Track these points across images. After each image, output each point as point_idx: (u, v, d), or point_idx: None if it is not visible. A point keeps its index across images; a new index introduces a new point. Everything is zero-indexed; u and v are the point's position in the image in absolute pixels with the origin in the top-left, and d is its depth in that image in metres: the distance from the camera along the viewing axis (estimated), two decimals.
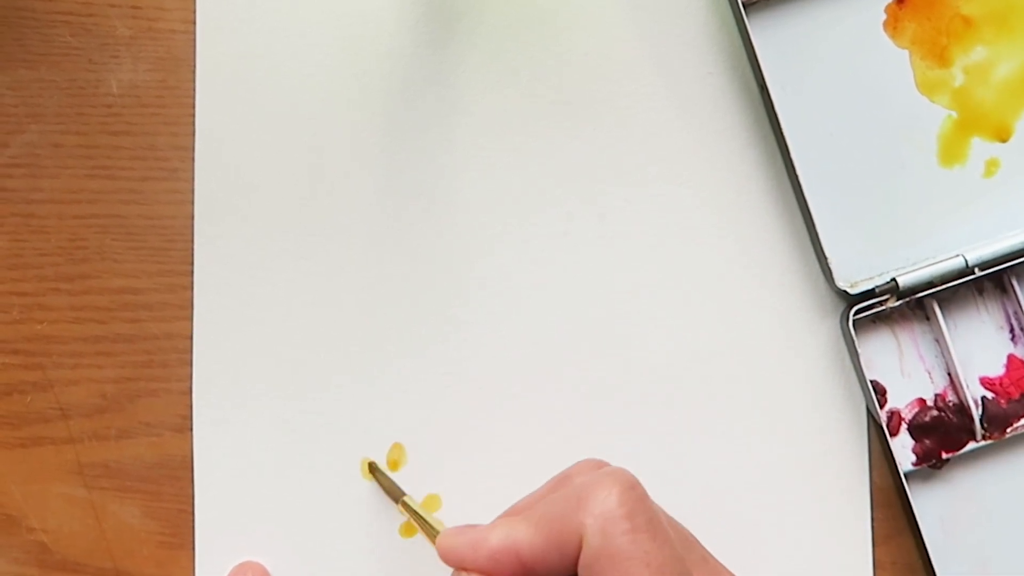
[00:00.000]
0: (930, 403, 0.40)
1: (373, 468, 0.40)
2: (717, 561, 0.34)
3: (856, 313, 0.39)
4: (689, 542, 0.34)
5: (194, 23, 0.41)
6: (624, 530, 0.30)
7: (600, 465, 0.33)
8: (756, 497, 0.40)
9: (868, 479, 0.40)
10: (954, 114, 0.40)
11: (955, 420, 0.39)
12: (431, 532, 0.36)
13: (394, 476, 0.40)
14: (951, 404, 0.40)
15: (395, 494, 0.39)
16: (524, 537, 0.31)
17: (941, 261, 0.39)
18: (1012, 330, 0.40)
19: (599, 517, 0.30)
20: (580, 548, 0.30)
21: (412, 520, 0.37)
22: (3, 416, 0.41)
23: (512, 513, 0.33)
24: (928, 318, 0.40)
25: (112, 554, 0.40)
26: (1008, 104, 0.40)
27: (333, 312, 0.40)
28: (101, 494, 0.40)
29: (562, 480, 0.34)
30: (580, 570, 0.30)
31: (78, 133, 0.41)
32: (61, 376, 0.41)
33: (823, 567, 0.40)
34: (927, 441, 0.40)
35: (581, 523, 0.30)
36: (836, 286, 0.39)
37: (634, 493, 0.30)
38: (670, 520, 0.33)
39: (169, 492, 0.40)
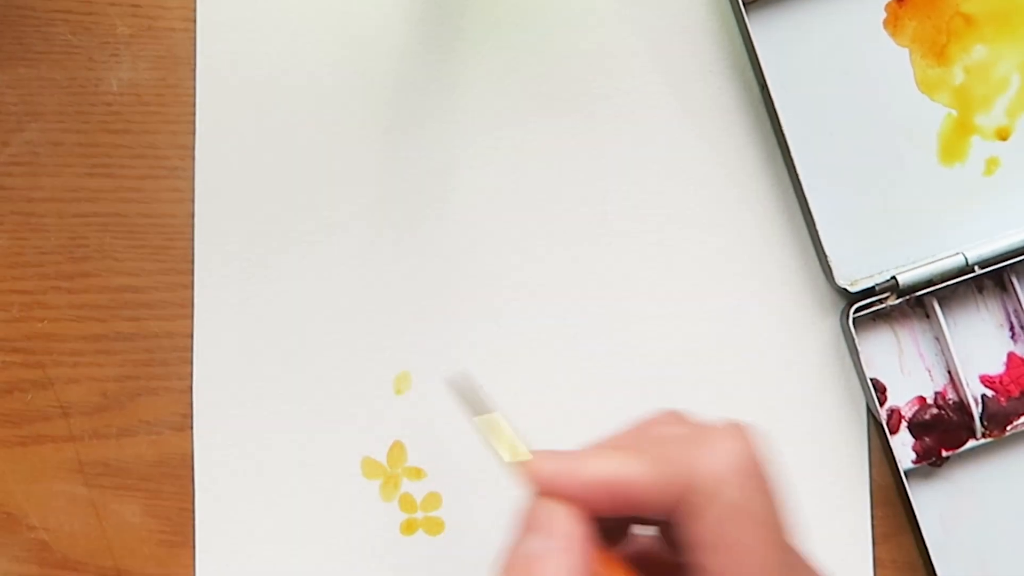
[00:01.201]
0: (930, 401, 0.40)
1: (457, 384, 0.34)
2: (793, 541, 0.33)
3: (856, 311, 0.39)
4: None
5: (194, 21, 0.41)
6: (744, 486, 0.28)
7: (684, 417, 0.32)
8: None
9: (868, 477, 0.40)
10: (954, 112, 0.40)
11: (955, 418, 0.40)
12: (515, 454, 0.32)
13: (393, 471, 0.40)
14: (951, 402, 0.40)
15: (479, 409, 0.34)
16: (631, 471, 0.29)
17: (941, 259, 0.39)
18: (1012, 328, 0.40)
19: (722, 468, 0.28)
20: (692, 493, 0.28)
21: (489, 439, 0.34)
22: (4, 414, 0.40)
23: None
24: (928, 316, 0.40)
25: (113, 552, 0.40)
26: (1008, 103, 0.40)
27: (333, 310, 0.40)
28: (102, 492, 0.40)
29: (644, 429, 0.32)
30: (689, 516, 0.29)
31: (78, 131, 0.41)
32: (61, 374, 0.41)
33: (823, 565, 0.40)
34: (927, 439, 0.40)
35: (700, 470, 0.28)
36: (836, 284, 0.39)
37: (757, 453, 0.29)
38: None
39: (169, 490, 0.40)
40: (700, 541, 0.29)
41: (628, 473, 0.30)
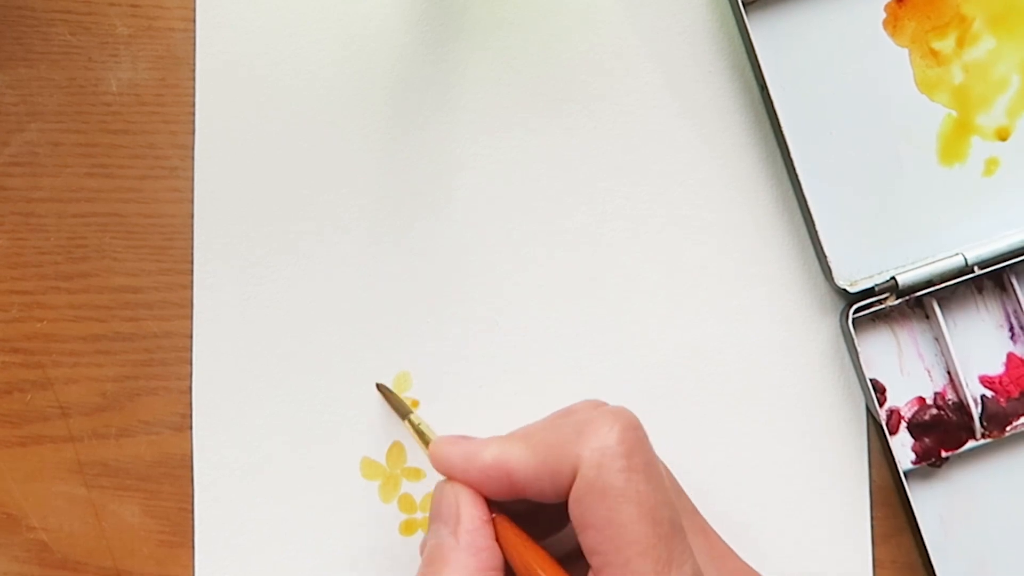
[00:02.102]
0: (929, 401, 0.40)
1: (381, 387, 0.40)
2: (703, 518, 0.34)
3: (856, 312, 0.39)
4: (680, 492, 0.34)
5: (194, 21, 0.41)
6: (620, 467, 0.30)
7: (601, 405, 0.33)
8: (755, 495, 0.40)
9: (868, 478, 0.40)
10: (954, 113, 0.40)
11: (954, 418, 0.40)
12: (426, 440, 0.36)
13: (392, 472, 0.40)
14: (950, 402, 0.40)
15: (402, 411, 0.38)
16: (519, 458, 0.31)
17: (941, 260, 0.39)
18: (1011, 328, 0.40)
19: (596, 451, 0.30)
20: (573, 479, 0.30)
21: (414, 436, 0.37)
22: (3, 415, 0.40)
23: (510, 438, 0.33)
24: (928, 317, 0.40)
25: (112, 552, 0.40)
26: (1008, 103, 0.40)
27: (333, 310, 0.40)
28: (101, 492, 0.40)
29: (564, 414, 0.34)
30: (571, 501, 0.30)
31: (77, 131, 0.41)
32: (61, 375, 0.41)
33: (823, 566, 0.40)
34: (927, 440, 0.40)
35: (578, 454, 0.30)
36: (836, 284, 0.39)
37: (635, 433, 0.31)
38: (666, 469, 0.33)
39: (169, 490, 0.40)
40: (578, 522, 0.30)
41: (515, 460, 0.32)
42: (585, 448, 0.30)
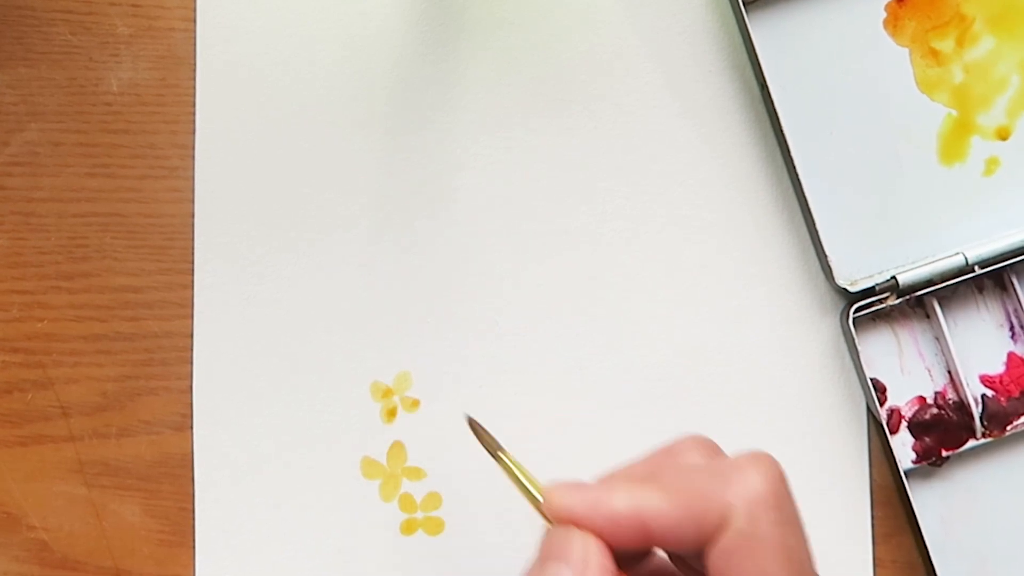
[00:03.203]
0: (930, 401, 0.40)
1: (472, 423, 0.35)
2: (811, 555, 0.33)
3: (856, 311, 0.39)
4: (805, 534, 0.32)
5: (194, 21, 0.41)
6: (774, 520, 0.29)
7: (709, 445, 0.32)
8: None
9: (868, 477, 0.40)
10: (954, 112, 0.40)
11: (955, 418, 0.40)
12: (532, 488, 0.32)
13: (393, 471, 0.40)
14: (951, 402, 0.40)
15: (492, 447, 0.35)
16: (656, 506, 0.30)
17: (941, 259, 0.39)
18: (1012, 328, 0.40)
19: (749, 501, 0.29)
20: (718, 528, 0.29)
21: (508, 476, 0.34)
22: (3, 414, 0.40)
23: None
24: (928, 316, 0.40)
25: (112, 552, 0.40)
26: (1008, 103, 0.40)
27: (333, 310, 0.40)
28: (101, 492, 0.40)
29: (668, 454, 0.32)
30: (716, 552, 0.29)
31: (78, 131, 0.41)
32: (61, 374, 0.40)
33: (823, 565, 0.40)
34: (927, 439, 0.40)
35: (728, 503, 0.29)
36: (836, 284, 0.39)
37: (784, 484, 0.30)
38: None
39: (169, 490, 0.40)
40: (721, 570, 0.29)
41: (653, 508, 0.30)
42: (736, 497, 0.29)
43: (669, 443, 0.32)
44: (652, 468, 0.31)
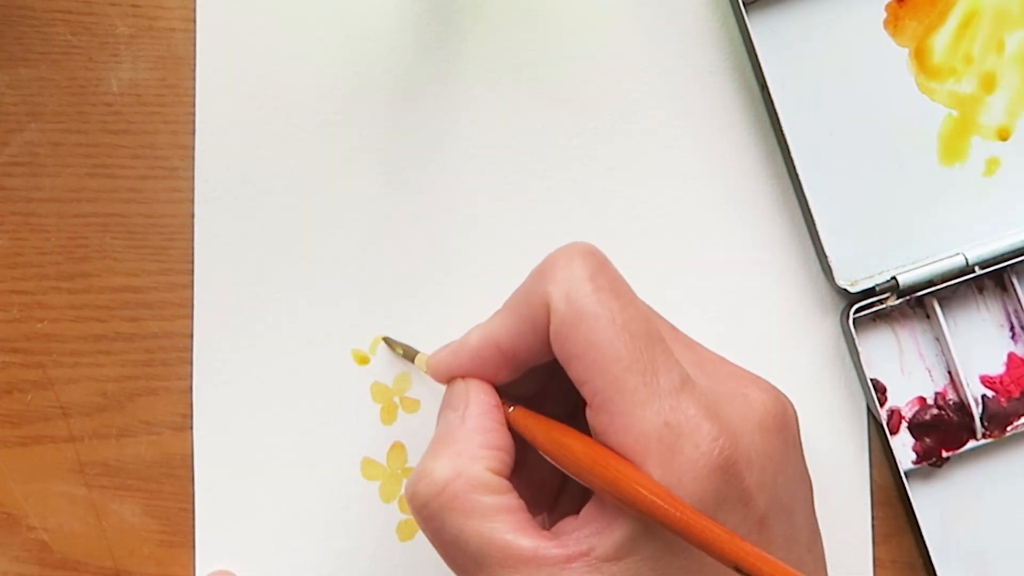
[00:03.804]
0: (930, 401, 0.40)
1: (389, 341, 0.40)
2: (686, 335, 0.34)
3: (856, 311, 0.39)
4: (657, 314, 0.33)
5: (194, 21, 0.41)
6: (588, 291, 0.29)
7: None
8: None
9: (868, 477, 0.40)
10: (954, 112, 0.40)
11: (955, 418, 0.39)
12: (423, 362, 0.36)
13: (393, 472, 0.40)
14: (951, 402, 0.40)
15: (411, 355, 0.38)
16: (498, 325, 0.32)
17: (941, 259, 0.39)
18: (1012, 328, 0.40)
19: (562, 282, 0.30)
20: (547, 319, 0.30)
21: (423, 371, 0.37)
22: (3, 414, 0.40)
23: None
24: (928, 316, 0.40)
25: (112, 553, 0.40)
26: (1008, 103, 0.40)
27: (333, 310, 0.40)
28: (101, 492, 0.40)
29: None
30: (552, 341, 0.30)
31: (78, 132, 0.41)
32: (61, 375, 0.41)
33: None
34: (927, 439, 0.40)
35: (545, 292, 0.30)
36: (836, 284, 0.39)
37: (595, 258, 0.30)
38: (638, 297, 0.32)
39: (169, 490, 0.40)
40: (563, 358, 0.30)
41: (497, 329, 0.32)
42: (550, 284, 0.30)
43: None
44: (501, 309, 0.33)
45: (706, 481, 0.28)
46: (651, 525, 0.29)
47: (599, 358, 0.29)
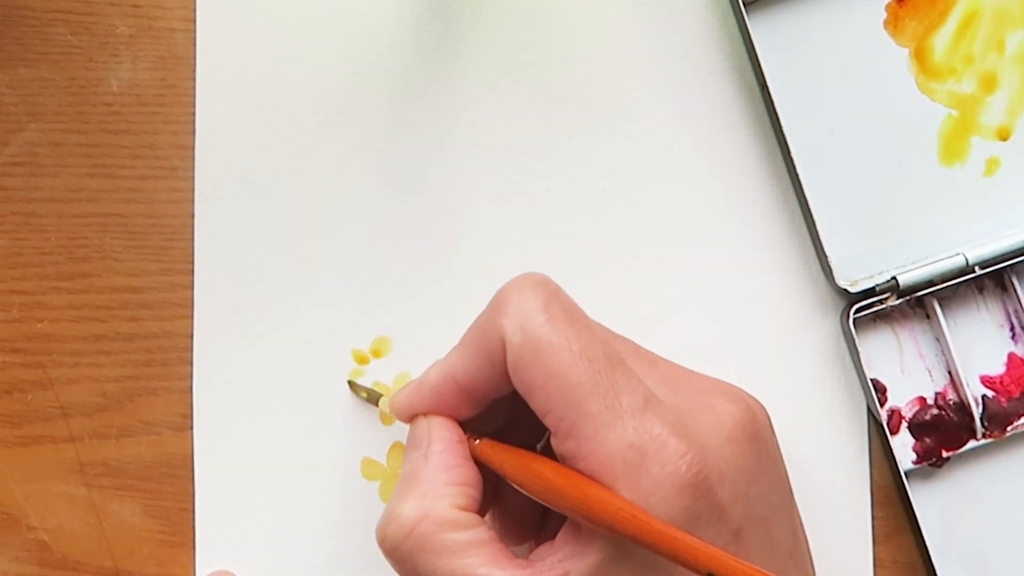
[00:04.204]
0: (930, 401, 0.40)
1: (353, 385, 0.40)
2: (650, 352, 0.34)
3: (856, 311, 0.39)
4: (615, 336, 0.33)
5: (194, 21, 0.41)
6: (541, 321, 0.30)
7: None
8: None
9: (868, 477, 0.40)
10: (954, 112, 0.40)
11: (955, 418, 0.39)
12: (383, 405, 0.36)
13: (393, 472, 0.40)
14: (951, 402, 0.40)
15: (374, 399, 0.39)
16: (456, 361, 0.32)
17: (941, 260, 0.39)
18: (1012, 328, 0.40)
19: (515, 315, 0.30)
20: (503, 351, 0.30)
21: (383, 411, 0.38)
22: (3, 415, 0.41)
23: None
24: (928, 316, 0.40)
25: (112, 553, 0.40)
26: (1009, 103, 0.40)
27: (333, 310, 0.40)
28: (101, 493, 0.40)
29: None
30: (511, 374, 0.30)
31: (78, 132, 0.41)
32: (61, 375, 0.41)
33: (823, 566, 0.40)
34: (927, 439, 0.40)
35: (499, 326, 0.30)
36: (836, 284, 0.39)
37: (546, 288, 0.31)
38: (594, 321, 0.32)
39: (169, 491, 0.40)
40: (523, 390, 0.30)
41: (455, 365, 0.32)
42: (503, 317, 0.30)
43: None
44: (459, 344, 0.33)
45: (676, 500, 0.28)
46: (625, 546, 0.29)
47: (560, 386, 0.29)
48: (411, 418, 0.33)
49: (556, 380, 0.29)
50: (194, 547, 0.40)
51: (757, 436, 0.32)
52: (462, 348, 0.32)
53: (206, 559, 0.40)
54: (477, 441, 0.32)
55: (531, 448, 0.33)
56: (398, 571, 0.31)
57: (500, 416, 0.34)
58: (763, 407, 0.33)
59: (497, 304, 0.31)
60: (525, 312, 0.30)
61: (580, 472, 0.29)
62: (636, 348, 0.34)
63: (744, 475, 0.30)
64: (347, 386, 0.40)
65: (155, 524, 0.40)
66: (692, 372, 0.34)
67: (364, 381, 0.40)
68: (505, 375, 0.30)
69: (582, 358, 0.29)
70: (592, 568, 0.29)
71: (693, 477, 0.28)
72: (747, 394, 0.33)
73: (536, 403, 0.30)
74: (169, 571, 0.40)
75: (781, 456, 0.33)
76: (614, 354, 0.30)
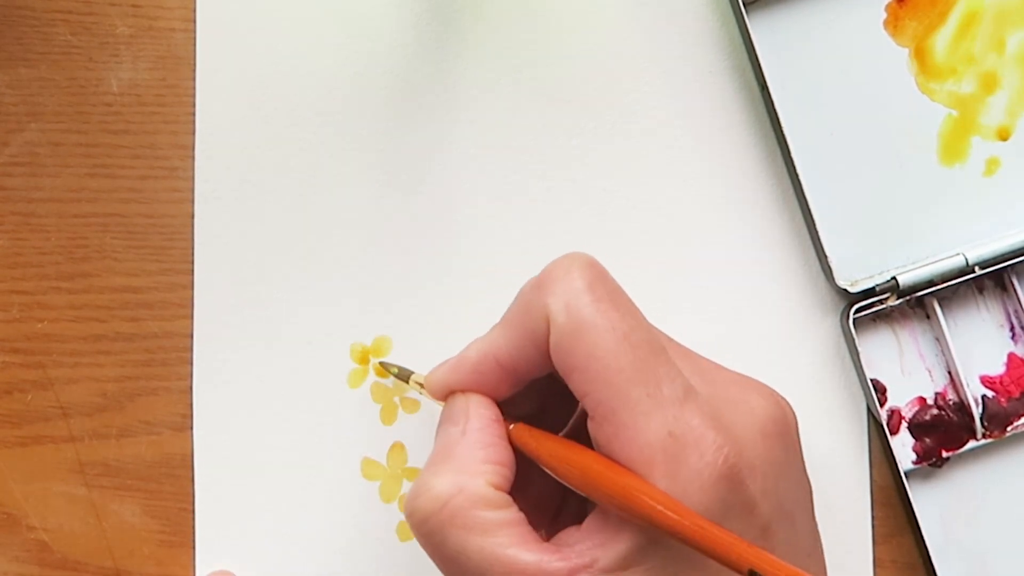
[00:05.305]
0: (930, 401, 0.40)
1: (385, 365, 0.39)
2: (682, 344, 0.34)
3: (856, 312, 0.39)
4: (652, 325, 0.33)
5: (194, 21, 0.41)
6: (587, 302, 0.29)
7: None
8: None
9: (868, 478, 0.40)
10: (954, 112, 0.40)
11: (955, 418, 0.39)
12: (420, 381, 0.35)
13: (393, 472, 0.40)
14: (951, 402, 0.40)
15: (404, 377, 0.38)
16: (497, 338, 0.31)
17: (941, 260, 0.39)
18: (1012, 328, 0.40)
19: (561, 294, 0.30)
20: (547, 330, 0.30)
21: (418, 391, 0.37)
22: (3, 415, 0.41)
23: None
24: (928, 316, 0.40)
25: (112, 553, 0.40)
26: (1009, 103, 0.40)
27: (333, 310, 0.40)
28: (101, 493, 0.40)
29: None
30: (552, 354, 0.30)
31: (78, 132, 0.41)
32: (61, 375, 0.41)
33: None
34: (927, 440, 0.40)
35: (545, 305, 0.30)
36: (836, 284, 0.39)
37: (593, 269, 0.30)
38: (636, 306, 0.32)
39: (169, 491, 0.40)
40: (563, 370, 0.30)
41: (496, 343, 0.31)
42: (549, 296, 0.30)
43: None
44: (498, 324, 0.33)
45: (712, 490, 0.28)
46: (656, 535, 0.28)
47: (601, 369, 0.29)
48: (447, 395, 0.33)
49: (598, 363, 0.29)
50: (194, 547, 0.40)
51: (787, 432, 0.32)
52: (504, 326, 0.31)
53: (206, 559, 0.40)
54: (511, 425, 0.32)
55: (562, 435, 0.32)
56: (423, 544, 0.30)
57: (533, 400, 0.34)
58: (790, 404, 0.33)
59: (542, 283, 0.30)
60: (571, 292, 0.30)
61: (615, 459, 0.29)
62: (670, 339, 0.34)
63: (774, 470, 0.30)
64: (376, 369, 0.40)
65: (155, 524, 0.40)
66: (723, 367, 0.34)
67: (365, 381, 0.40)
68: (546, 355, 0.30)
69: (625, 342, 0.29)
70: (622, 557, 0.29)
71: (729, 469, 0.29)
72: (775, 390, 0.33)
73: (576, 385, 0.29)
74: (169, 571, 0.40)
75: (803, 456, 0.33)
76: (656, 342, 0.30)
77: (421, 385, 0.36)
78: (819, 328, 0.40)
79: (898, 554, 0.40)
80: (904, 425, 0.40)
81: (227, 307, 0.40)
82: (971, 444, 0.39)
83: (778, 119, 0.39)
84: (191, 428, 0.40)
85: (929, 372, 0.40)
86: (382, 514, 0.40)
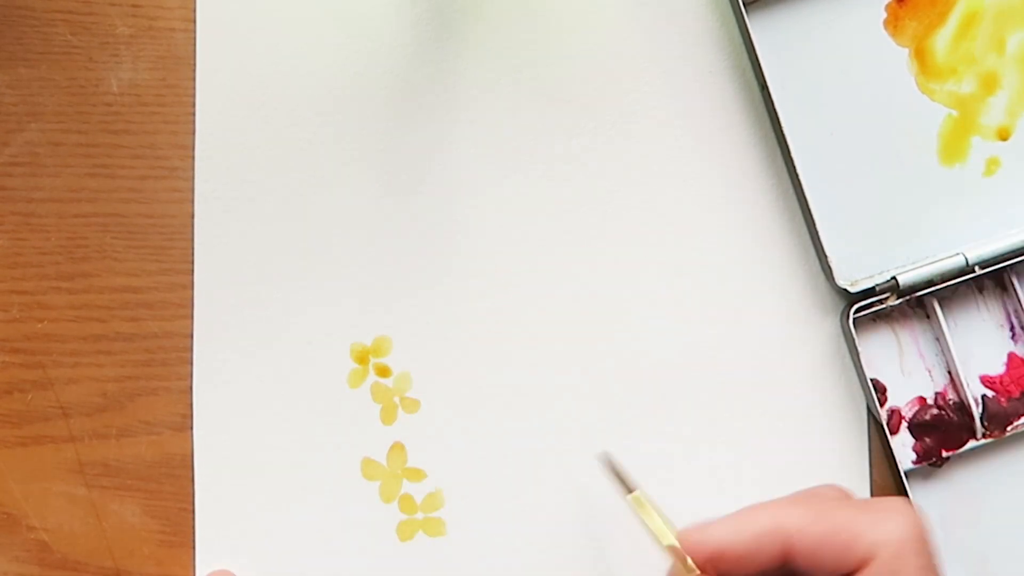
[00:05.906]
0: (930, 401, 0.40)
1: (609, 462, 0.37)
2: None
3: (856, 311, 0.39)
4: None
5: (194, 21, 0.41)
6: (919, 564, 0.30)
7: (844, 489, 0.33)
8: (756, 495, 0.40)
9: (868, 477, 0.40)
10: (954, 113, 0.40)
11: (955, 418, 0.39)
12: (666, 529, 0.33)
13: (393, 472, 0.40)
14: (951, 402, 0.40)
15: (627, 487, 0.36)
16: (800, 523, 0.30)
17: (941, 259, 0.39)
18: (1012, 328, 0.40)
19: (898, 541, 0.30)
20: (862, 561, 0.30)
21: (641, 517, 0.34)
22: (3, 415, 0.40)
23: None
24: (928, 316, 0.40)
25: (112, 552, 0.40)
26: (1008, 103, 0.40)
27: (333, 310, 0.40)
28: (101, 493, 0.40)
29: (810, 495, 0.33)
30: None
31: (78, 132, 0.41)
32: (61, 375, 0.41)
33: None
34: (927, 439, 0.40)
35: (876, 539, 0.30)
36: (836, 284, 0.39)
37: (927, 532, 0.31)
38: None
39: (169, 490, 0.40)
40: None
41: (796, 524, 0.30)
42: (886, 534, 0.30)
43: (811, 488, 0.33)
44: (790, 499, 0.32)
45: None
46: None
47: None
48: (711, 558, 0.31)
49: None
50: (194, 547, 0.40)
51: None
52: (812, 517, 0.31)
53: (206, 559, 0.40)
54: None
55: None
56: None
57: None
58: None
59: (876, 514, 0.30)
60: (909, 545, 0.30)
61: None
62: None
63: None
64: (603, 461, 0.37)
65: (155, 524, 0.40)
66: None
67: (365, 381, 0.40)
68: (840, 570, 0.30)
69: None
70: None
71: None
72: None
73: None
74: (169, 571, 0.40)
75: None
76: None
77: (645, 509, 0.34)
78: (819, 328, 0.40)
79: None
80: (904, 425, 0.40)
81: (227, 307, 0.40)
82: (971, 444, 0.39)
83: (778, 119, 0.39)
84: (191, 428, 0.40)
85: (929, 372, 0.40)
86: (382, 514, 0.40)
